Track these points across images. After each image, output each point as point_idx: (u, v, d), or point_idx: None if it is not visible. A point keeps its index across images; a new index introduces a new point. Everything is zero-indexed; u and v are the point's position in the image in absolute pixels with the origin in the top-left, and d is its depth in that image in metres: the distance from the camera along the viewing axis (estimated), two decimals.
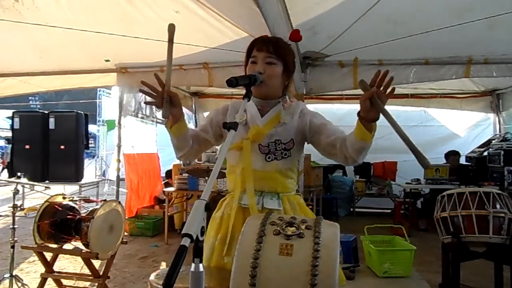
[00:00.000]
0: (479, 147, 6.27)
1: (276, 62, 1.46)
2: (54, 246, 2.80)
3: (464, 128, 7.28)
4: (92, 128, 11.63)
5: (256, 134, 1.46)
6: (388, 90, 1.23)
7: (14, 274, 2.86)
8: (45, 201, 2.80)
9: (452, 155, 6.04)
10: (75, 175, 6.14)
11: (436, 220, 3.08)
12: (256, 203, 1.44)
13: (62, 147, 6.04)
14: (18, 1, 2.79)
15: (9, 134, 8.11)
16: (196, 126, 7.53)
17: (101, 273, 2.83)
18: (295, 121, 1.50)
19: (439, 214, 3.03)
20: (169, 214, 5.15)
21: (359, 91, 1.25)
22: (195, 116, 7.56)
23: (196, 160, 4.85)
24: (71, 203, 2.87)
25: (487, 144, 6.11)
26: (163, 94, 1.35)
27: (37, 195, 7.90)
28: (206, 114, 7.58)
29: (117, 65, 4.71)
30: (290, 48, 1.58)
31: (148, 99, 1.39)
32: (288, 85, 1.57)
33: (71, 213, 2.74)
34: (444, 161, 6.07)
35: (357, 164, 1.50)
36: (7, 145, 10.92)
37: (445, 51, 3.93)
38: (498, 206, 2.80)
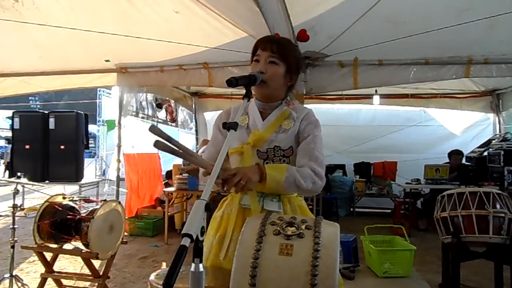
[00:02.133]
0: (479, 147, 6.26)
1: (278, 62, 1.44)
2: (54, 246, 2.80)
3: (464, 128, 7.28)
4: (92, 128, 11.64)
5: (256, 140, 1.45)
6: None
7: (14, 274, 2.86)
8: (45, 201, 2.80)
9: (455, 154, 6.04)
10: (75, 175, 6.14)
11: (436, 220, 3.08)
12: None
13: (62, 147, 6.04)
14: (18, 1, 2.79)
15: (9, 134, 8.12)
16: (196, 126, 7.55)
17: (101, 273, 2.82)
18: (296, 127, 1.47)
19: (439, 214, 3.03)
20: (169, 214, 5.15)
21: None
22: (195, 116, 7.56)
23: None
24: (71, 203, 2.86)
25: (487, 144, 6.11)
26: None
27: (37, 195, 7.90)
28: (206, 114, 7.59)
29: (117, 65, 4.71)
30: (295, 48, 1.54)
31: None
32: (291, 87, 1.54)
33: (71, 213, 2.74)
34: (447, 160, 6.06)
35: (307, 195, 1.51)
36: (7, 145, 10.93)
37: (445, 51, 3.92)
38: (498, 206, 2.81)
